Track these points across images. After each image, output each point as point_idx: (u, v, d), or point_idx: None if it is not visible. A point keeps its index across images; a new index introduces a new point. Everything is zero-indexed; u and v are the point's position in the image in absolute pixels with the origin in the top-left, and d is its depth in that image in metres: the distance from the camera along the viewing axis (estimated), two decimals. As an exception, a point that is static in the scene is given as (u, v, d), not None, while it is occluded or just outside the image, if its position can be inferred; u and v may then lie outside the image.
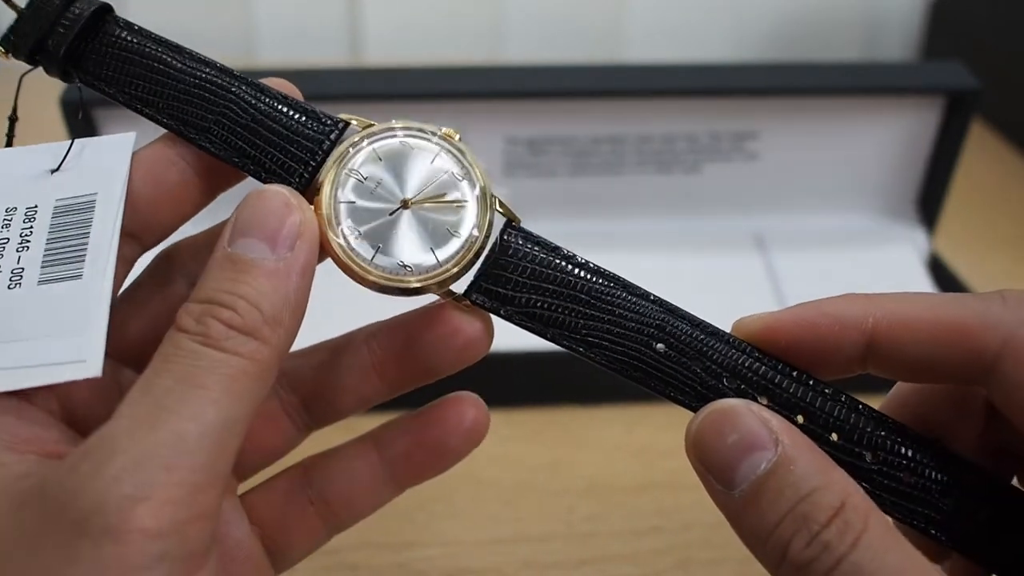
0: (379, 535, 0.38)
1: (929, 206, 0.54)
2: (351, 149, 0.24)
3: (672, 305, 0.24)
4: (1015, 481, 0.25)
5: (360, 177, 0.23)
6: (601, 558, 0.38)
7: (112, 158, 0.24)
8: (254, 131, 0.24)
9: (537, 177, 0.52)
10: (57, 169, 0.24)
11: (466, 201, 0.24)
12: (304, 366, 0.27)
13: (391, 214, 0.23)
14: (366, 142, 0.24)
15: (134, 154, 0.24)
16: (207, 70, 0.24)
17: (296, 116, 0.24)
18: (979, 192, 0.64)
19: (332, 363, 0.26)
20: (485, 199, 0.24)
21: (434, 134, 0.24)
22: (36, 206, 0.24)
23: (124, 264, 0.24)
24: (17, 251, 0.23)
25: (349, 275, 0.23)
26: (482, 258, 0.24)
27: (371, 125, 0.24)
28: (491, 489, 0.41)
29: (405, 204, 0.24)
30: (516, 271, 0.24)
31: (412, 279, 0.23)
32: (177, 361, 0.20)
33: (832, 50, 0.84)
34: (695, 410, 0.22)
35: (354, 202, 0.23)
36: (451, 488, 0.41)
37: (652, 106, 0.50)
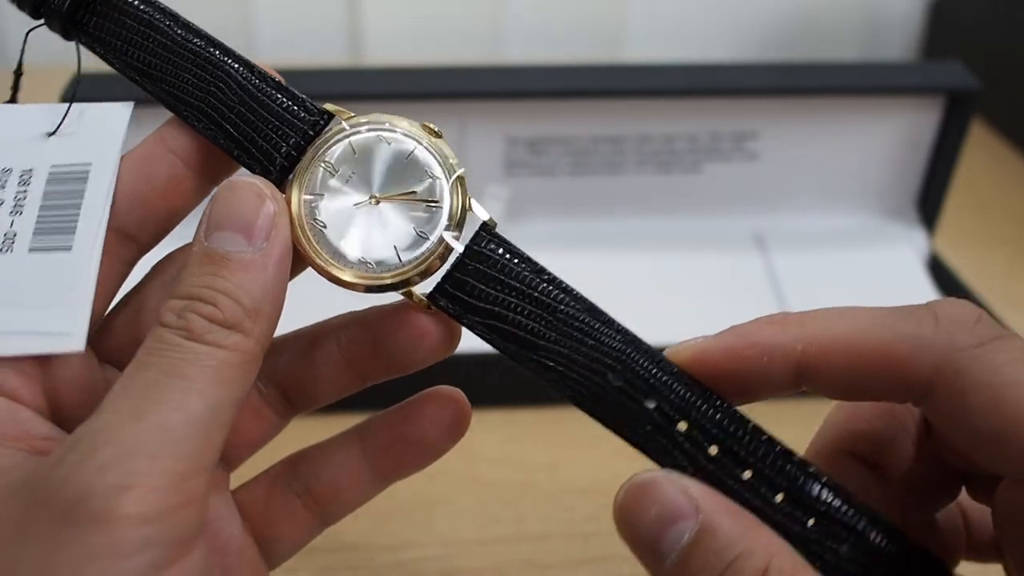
0: (379, 535, 0.38)
1: (929, 206, 0.54)
2: (329, 141, 0.24)
3: (633, 336, 0.23)
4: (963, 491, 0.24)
5: (332, 170, 0.23)
6: (601, 558, 0.38)
7: (108, 127, 0.24)
8: (241, 113, 0.24)
9: (537, 177, 0.52)
10: (54, 133, 0.24)
11: (438, 202, 0.23)
12: (278, 358, 0.26)
13: (357, 206, 0.23)
14: (343, 135, 0.24)
15: (124, 156, 0.24)
16: (200, 42, 0.24)
17: (283, 102, 0.24)
18: (979, 192, 0.64)
19: (305, 355, 0.26)
20: (459, 201, 0.23)
21: (413, 129, 0.24)
22: (31, 170, 0.24)
23: (121, 265, 0.24)
24: (10, 215, 0.23)
25: (312, 267, 0.23)
26: (449, 262, 0.23)
27: (351, 117, 0.24)
28: (491, 489, 0.41)
29: (375, 199, 0.23)
30: (483, 279, 0.23)
31: (372, 279, 0.23)
32: (161, 354, 0.20)
33: (832, 50, 0.84)
34: (642, 449, 0.22)
35: (322, 195, 0.23)
36: (451, 488, 0.41)
37: (652, 106, 0.50)
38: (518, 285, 0.23)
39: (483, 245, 0.23)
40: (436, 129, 0.24)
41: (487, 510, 0.40)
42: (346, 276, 0.23)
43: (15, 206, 0.23)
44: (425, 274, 0.23)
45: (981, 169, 0.66)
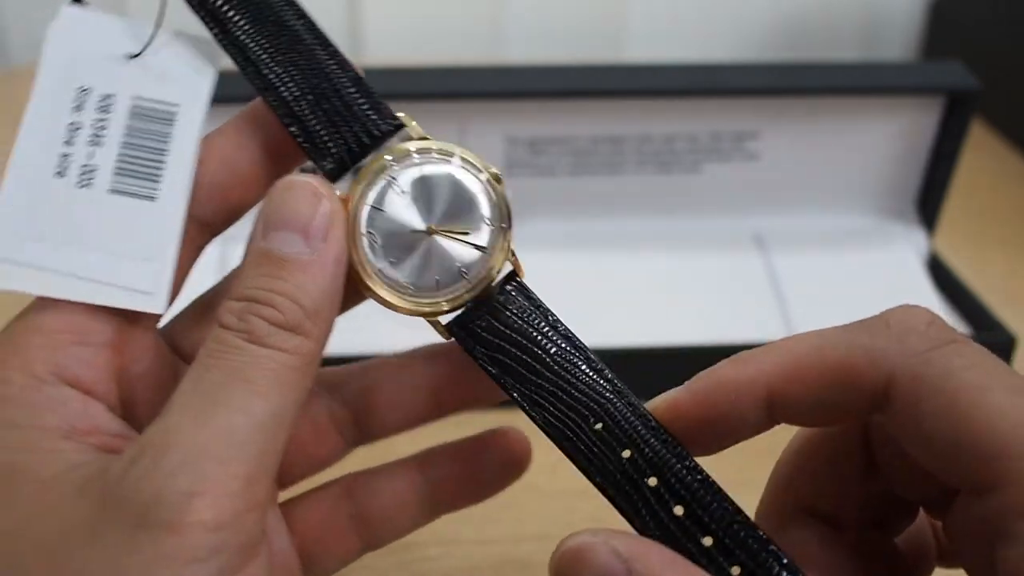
0: (379, 535, 0.38)
1: (929, 206, 0.54)
2: (399, 156, 0.24)
3: (622, 388, 0.23)
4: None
5: (399, 189, 0.23)
6: (601, 558, 0.38)
7: (196, 66, 0.23)
8: (317, 104, 0.24)
9: (537, 177, 0.52)
10: (137, 55, 0.22)
11: (486, 248, 0.24)
12: (357, 383, 0.27)
13: (414, 233, 0.24)
14: (416, 160, 0.24)
15: (204, 140, 0.24)
16: (299, 23, 0.24)
17: (361, 102, 0.24)
18: (979, 192, 0.64)
19: (388, 380, 0.26)
20: (505, 250, 0.24)
21: (482, 171, 0.24)
22: (113, 95, 0.22)
23: (193, 250, 0.24)
24: (89, 144, 0.21)
25: (355, 278, 0.23)
26: (476, 299, 0.24)
27: (422, 137, 0.24)
28: (491, 489, 0.41)
29: (430, 231, 0.24)
30: (501, 320, 0.24)
31: (406, 301, 0.24)
32: (223, 357, 0.20)
33: (832, 50, 0.84)
34: (610, 497, 0.23)
35: (382, 210, 0.23)
36: (451, 488, 0.41)
37: (652, 106, 0.50)
38: (530, 330, 0.24)
39: (511, 289, 0.24)
40: (499, 175, 0.25)
41: (487, 510, 0.40)
42: (384, 293, 0.23)
43: (94, 135, 0.21)
44: (452, 309, 0.24)
45: (981, 169, 0.66)
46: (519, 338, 0.24)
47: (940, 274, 0.53)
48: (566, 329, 0.24)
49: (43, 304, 0.22)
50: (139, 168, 0.22)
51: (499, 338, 0.24)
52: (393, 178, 0.24)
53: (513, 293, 0.24)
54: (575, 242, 0.52)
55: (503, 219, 0.24)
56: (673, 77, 0.50)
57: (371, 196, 0.23)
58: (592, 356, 0.24)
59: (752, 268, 0.53)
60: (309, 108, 0.24)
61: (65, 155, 0.21)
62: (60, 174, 0.21)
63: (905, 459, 0.22)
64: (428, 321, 0.24)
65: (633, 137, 0.51)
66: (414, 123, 0.24)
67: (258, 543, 0.20)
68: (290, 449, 0.24)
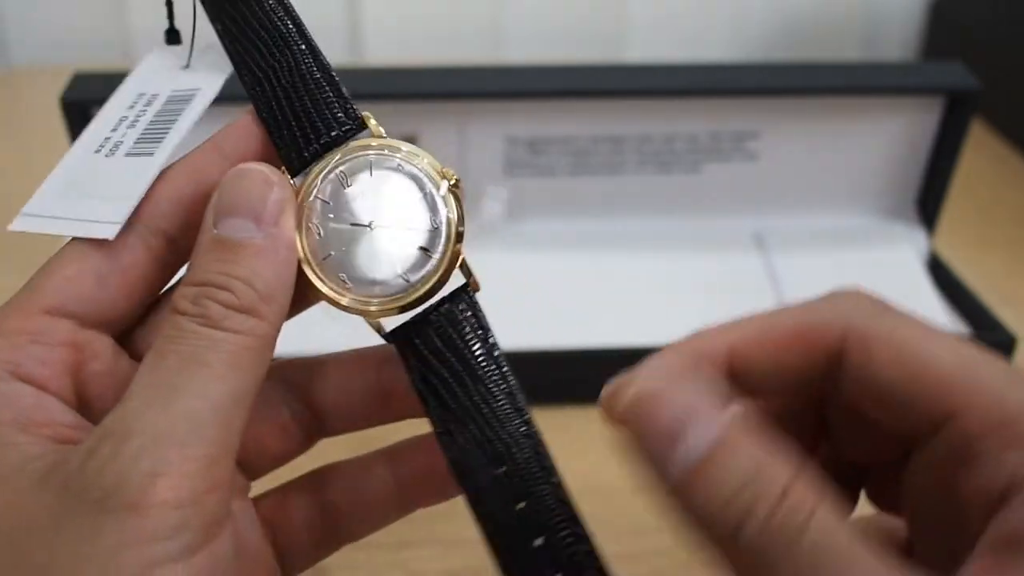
0: (378, 535, 0.38)
1: (929, 206, 0.54)
2: (352, 152, 0.24)
3: (535, 432, 0.23)
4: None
5: (348, 184, 0.23)
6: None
7: (218, 67, 0.27)
8: (288, 99, 0.24)
9: (537, 177, 0.52)
10: (186, 66, 0.27)
11: (429, 251, 0.23)
12: (318, 383, 0.27)
13: (354, 226, 0.23)
14: (372, 156, 0.24)
15: (178, 160, 0.24)
16: (283, 17, 0.25)
17: (329, 96, 0.24)
18: (979, 192, 0.64)
19: (345, 383, 0.26)
20: (451, 259, 0.23)
21: (439, 176, 0.24)
22: (157, 94, 0.27)
23: (159, 266, 0.24)
24: (127, 127, 0.26)
25: (299, 270, 0.23)
26: (419, 309, 0.23)
27: (380, 136, 0.24)
28: (491, 489, 0.41)
29: (371, 226, 0.23)
30: (441, 335, 0.23)
31: (344, 297, 0.23)
32: (180, 342, 0.21)
33: (832, 50, 0.84)
34: (489, 538, 0.23)
35: (328, 203, 0.23)
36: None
37: (652, 106, 0.50)
38: (464, 351, 0.23)
39: (457, 306, 0.24)
40: (458, 181, 0.24)
41: (487, 510, 0.40)
42: (321, 286, 0.23)
43: (133, 121, 0.26)
44: (387, 314, 0.24)
45: (981, 169, 0.66)
46: (452, 359, 0.23)
47: (940, 274, 0.53)
48: (502, 358, 0.24)
49: (3, 309, 0.23)
50: (153, 135, 0.25)
51: (434, 355, 0.23)
52: (344, 173, 0.24)
53: (459, 308, 0.24)
54: (575, 242, 0.52)
55: (452, 226, 0.23)
56: (673, 77, 0.50)
57: (320, 189, 0.23)
58: (517, 392, 0.23)
59: (752, 268, 0.53)
60: (280, 103, 0.24)
61: (107, 138, 0.26)
62: (98, 151, 0.25)
63: (860, 422, 0.22)
64: (368, 322, 0.24)
65: (633, 137, 0.51)
66: (373, 122, 0.24)
67: (221, 521, 0.21)
68: (250, 444, 0.24)
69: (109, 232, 0.23)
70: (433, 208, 0.24)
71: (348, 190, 0.23)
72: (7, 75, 0.75)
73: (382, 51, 0.81)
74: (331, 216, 0.23)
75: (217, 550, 0.20)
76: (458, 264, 0.24)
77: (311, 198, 0.23)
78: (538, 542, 0.23)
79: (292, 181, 0.24)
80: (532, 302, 0.47)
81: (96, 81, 0.45)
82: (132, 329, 0.25)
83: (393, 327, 0.24)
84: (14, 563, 0.19)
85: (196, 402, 0.20)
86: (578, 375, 0.46)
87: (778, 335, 0.22)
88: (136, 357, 0.25)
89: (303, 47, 0.25)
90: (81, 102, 0.44)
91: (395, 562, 0.37)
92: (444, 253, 0.23)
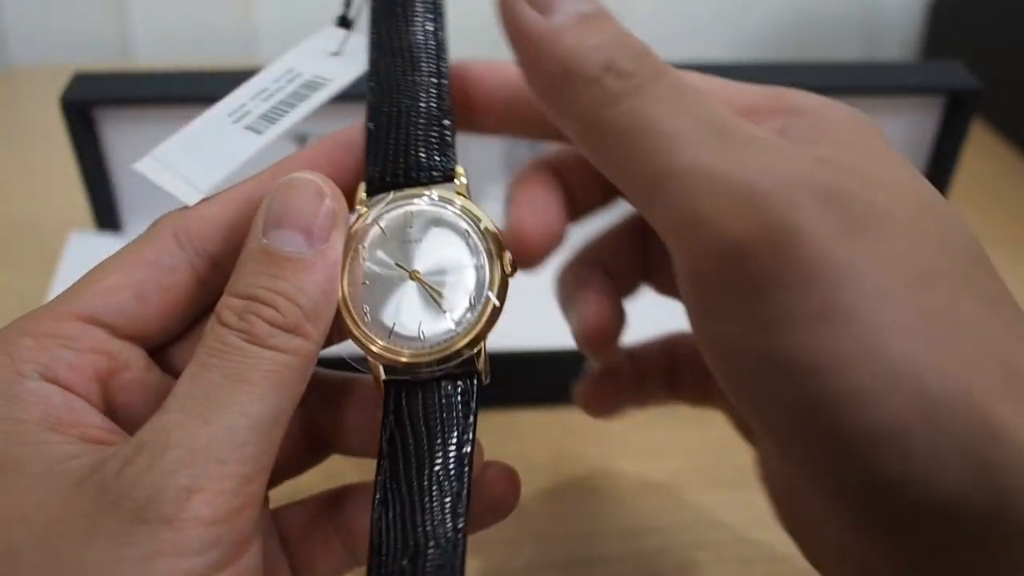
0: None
1: (929, 206, 0.54)
2: (425, 199, 0.24)
3: (458, 540, 0.22)
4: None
5: (412, 224, 0.23)
6: (601, 558, 0.38)
7: (358, 60, 0.27)
8: (402, 118, 0.24)
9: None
10: (336, 53, 0.29)
11: (453, 323, 0.23)
12: (324, 398, 0.27)
13: (397, 267, 0.23)
14: (443, 208, 0.24)
15: (241, 183, 0.25)
16: (432, 53, 0.25)
17: (434, 138, 0.24)
18: (979, 192, 0.64)
19: (355, 407, 0.26)
20: (473, 340, 0.23)
21: (496, 255, 0.24)
22: (300, 74, 0.28)
23: (201, 287, 0.24)
24: (262, 100, 0.27)
25: (414, 365, 0.23)
26: (416, 367, 0.23)
27: (466, 196, 0.24)
28: (491, 489, 0.41)
29: (412, 275, 0.23)
30: (426, 408, 0.23)
31: (357, 327, 0.23)
32: (223, 356, 0.20)
33: (832, 50, 0.84)
34: None
35: (386, 235, 0.23)
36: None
37: (652, 106, 0.50)
38: (437, 435, 0.23)
39: (454, 385, 0.23)
40: (514, 266, 0.24)
41: (487, 510, 0.40)
42: (343, 309, 0.23)
43: (269, 94, 0.27)
44: (385, 362, 0.23)
45: (981, 169, 0.66)
46: (423, 437, 0.23)
47: (940, 274, 0.53)
48: (468, 459, 0.23)
49: (40, 312, 0.23)
50: (274, 115, 0.26)
51: (411, 422, 0.23)
52: (412, 212, 0.23)
53: (456, 390, 0.23)
54: (574, 242, 0.52)
55: (488, 311, 0.23)
56: (673, 77, 0.50)
57: (387, 217, 0.23)
58: (464, 500, 0.22)
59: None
60: (391, 120, 0.24)
61: (243, 104, 0.27)
62: (230, 115, 0.26)
63: None
64: (368, 361, 0.23)
65: (633, 137, 0.51)
66: (463, 179, 0.24)
67: (251, 538, 0.21)
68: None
69: (191, 198, 0.24)
70: (478, 284, 0.23)
71: (409, 229, 0.23)
72: (7, 75, 0.75)
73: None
74: (381, 251, 0.23)
75: (245, 566, 0.20)
76: (483, 336, 0.23)
77: (376, 222, 0.23)
78: None
79: (363, 196, 0.24)
80: (532, 302, 0.47)
81: (96, 81, 0.45)
82: (168, 344, 0.25)
83: (387, 378, 0.23)
84: (43, 564, 0.19)
85: (237, 419, 0.20)
86: (578, 375, 0.46)
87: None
88: (169, 371, 0.25)
89: (435, 83, 0.25)
90: (81, 102, 0.44)
91: (395, 562, 0.37)
92: (468, 333, 0.23)
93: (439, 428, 0.23)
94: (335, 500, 0.27)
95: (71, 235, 0.48)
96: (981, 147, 0.70)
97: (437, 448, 0.23)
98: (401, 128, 0.24)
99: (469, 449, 0.23)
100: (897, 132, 0.52)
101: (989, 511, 0.18)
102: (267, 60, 0.28)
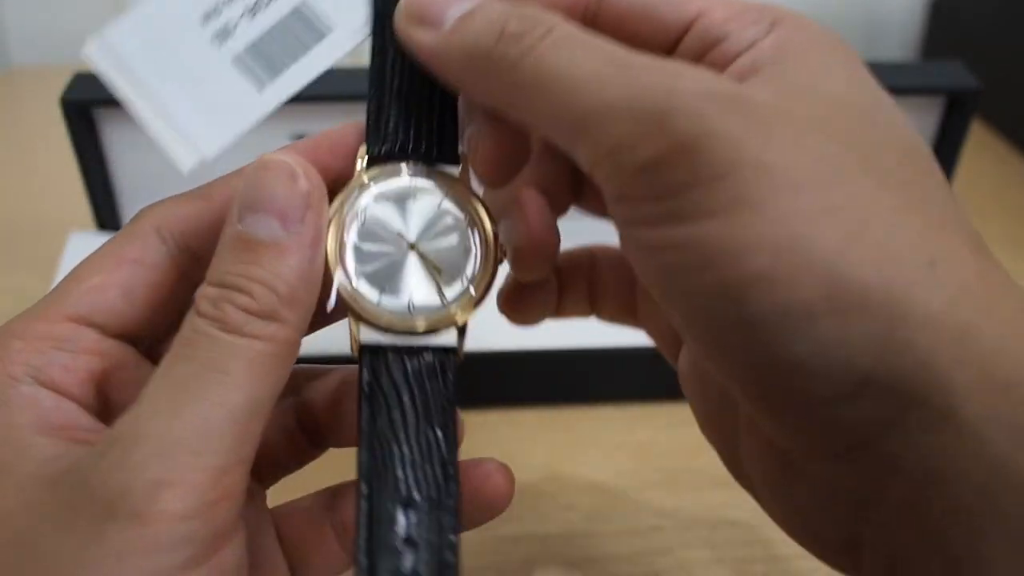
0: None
1: (929, 206, 0.54)
2: (435, 182, 0.24)
3: (451, 496, 0.22)
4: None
5: (417, 199, 0.24)
6: (601, 558, 0.38)
7: (360, 7, 0.25)
8: (408, 98, 0.25)
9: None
10: None
11: (445, 301, 0.23)
12: (318, 390, 0.27)
13: (398, 236, 0.23)
14: (447, 191, 0.24)
15: (222, 177, 0.24)
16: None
17: (443, 121, 0.25)
18: (979, 192, 0.64)
19: (339, 400, 0.26)
20: (458, 318, 0.23)
21: (494, 243, 0.24)
22: None
23: (182, 279, 0.24)
24: (242, 15, 0.24)
25: (353, 315, 0.23)
26: (396, 332, 0.23)
27: (466, 182, 0.25)
28: (491, 489, 0.41)
29: (411, 246, 0.23)
30: (409, 374, 0.23)
31: (345, 289, 0.23)
32: (198, 346, 0.20)
33: (832, 50, 0.84)
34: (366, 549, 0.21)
35: (389, 201, 0.23)
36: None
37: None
38: (420, 397, 0.23)
39: (434, 357, 0.23)
40: (503, 255, 0.25)
41: (487, 510, 0.40)
42: (335, 271, 0.23)
43: (251, 9, 0.24)
44: (370, 324, 0.23)
45: (981, 169, 0.66)
46: (406, 402, 0.23)
47: (940, 274, 0.52)
48: (452, 424, 0.23)
49: (29, 313, 0.23)
50: (267, 56, 0.24)
51: (393, 387, 0.23)
52: (417, 188, 0.24)
53: (436, 362, 0.23)
54: (575, 242, 0.52)
55: (480, 291, 0.24)
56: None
57: (389, 184, 0.23)
58: (453, 465, 0.22)
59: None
60: (400, 88, 0.24)
61: (217, 10, 0.24)
62: (205, 20, 0.24)
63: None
64: (350, 322, 0.23)
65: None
66: (470, 168, 0.25)
67: (230, 533, 0.20)
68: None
69: (186, 164, 0.23)
70: (475, 267, 0.24)
71: (412, 202, 0.23)
72: (7, 75, 0.75)
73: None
74: (383, 211, 0.23)
75: (224, 561, 0.20)
76: (462, 325, 0.23)
77: (376, 185, 0.23)
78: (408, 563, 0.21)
79: (363, 167, 0.24)
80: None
81: (96, 81, 0.45)
82: (159, 341, 0.25)
83: (368, 340, 0.23)
84: (19, 563, 0.19)
85: (211, 409, 0.19)
86: (578, 375, 0.46)
87: None
88: (131, 335, 0.24)
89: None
90: (81, 102, 0.44)
91: (395, 562, 0.37)
92: (456, 310, 0.23)
93: (420, 394, 0.23)
94: (332, 497, 0.27)
95: (71, 235, 0.48)
96: (981, 147, 0.70)
97: (420, 414, 0.23)
98: (410, 102, 0.24)
99: (452, 418, 0.23)
100: (897, 132, 0.52)
101: (902, 393, 0.18)
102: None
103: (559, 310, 0.31)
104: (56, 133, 0.47)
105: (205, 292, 0.21)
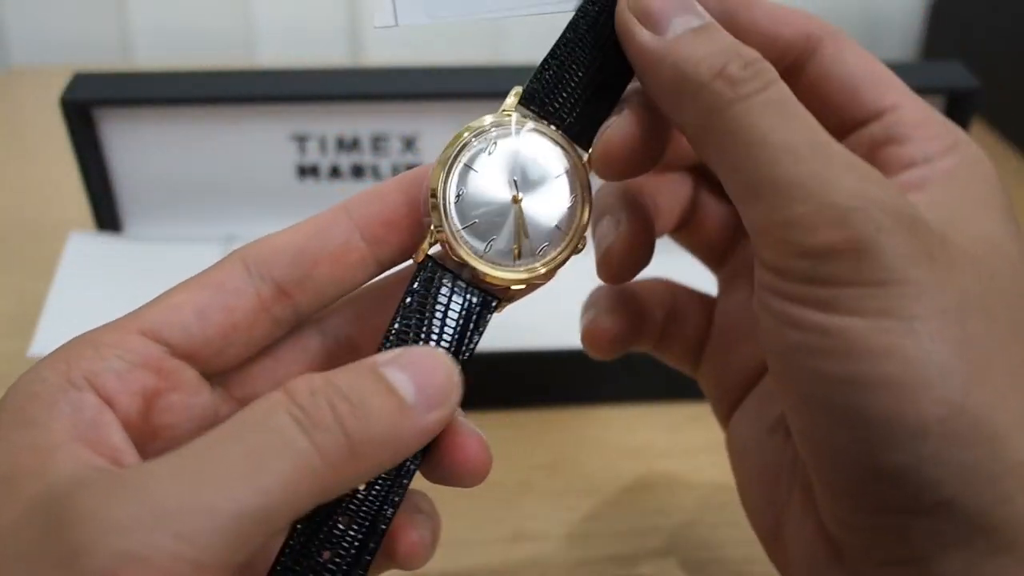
0: (379, 535, 0.38)
1: (929, 206, 0.54)
2: (564, 158, 0.25)
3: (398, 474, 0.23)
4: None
5: (543, 163, 0.25)
6: (601, 558, 0.38)
7: None
8: (590, 66, 0.25)
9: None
10: None
11: (560, 229, 0.25)
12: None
13: (502, 187, 0.24)
14: (567, 161, 0.25)
15: (308, 219, 0.24)
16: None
17: (600, 101, 0.25)
18: (979, 192, 0.64)
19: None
20: (532, 272, 0.24)
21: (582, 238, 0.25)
22: None
23: (270, 321, 0.24)
24: None
25: (460, 263, 0.24)
26: (473, 268, 0.24)
27: (587, 168, 0.25)
28: (491, 489, 0.41)
29: (515, 199, 0.24)
30: (454, 300, 0.24)
31: (444, 216, 0.24)
32: (259, 431, 0.19)
33: (832, 50, 0.84)
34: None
35: (502, 148, 0.25)
36: (451, 488, 0.41)
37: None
38: (454, 320, 0.24)
39: (484, 297, 0.24)
40: (584, 243, 0.26)
41: (487, 510, 0.40)
42: (440, 199, 0.24)
43: None
44: (469, 255, 0.24)
45: (981, 169, 0.66)
46: (441, 317, 0.24)
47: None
48: (469, 352, 0.24)
49: (111, 324, 0.23)
50: None
51: (433, 298, 0.24)
52: (548, 152, 0.25)
53: (480, 300, 0.24)
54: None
55: (546, 270, 0.25)
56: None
57: (527, 138, 0.25)
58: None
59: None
60: (577, 59, 0.25)
61: None
62: None
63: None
64: (425, 238, 0.24)
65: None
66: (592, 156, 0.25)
67: None
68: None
69: (378, 22, 0.25)
70: (553, 247, 0.25)
71: (537, 163, 0.25)
72: (7, 75, 0.75)
73: (382, 51, 0.81)
74: (503, 161, 0.25)
75: None
76: (518, 289, 0.25)
77: (513, 131, 0.25)
78: (326, 555, 0.22)
79: (515, 100, 0.25)
80: (532, 302, 0.47)
81: (96, 81, 0.45)
82: (231, 371, 0.24)
83: (436, 252, 0.24)
84: None
85: (222, 503, 0.18)
86: (578, 376, 0.46)
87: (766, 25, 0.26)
88: (227, 398, 0.25)
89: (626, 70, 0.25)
90: (81, 102, 0.44)
91: (395, 562, 0.37)
92: (527, 274, 0.25)
93: (456, 317, 0.24)
94: None
95: (71, 235, 0.48)
96: (981, 147, 0.70)
97: (447, 331, 0.24)
98: (587, 71, 0.25)
99: (472, 348, 0.24)
100: (897, 132, 0.52)
101: (979, 521, 0.20)
102: (267, 60, 0.28)
103: (629, 342, 0.32)
104: (56, 133, 0.47)
105: (311, 380, 0.20)
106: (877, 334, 0.20)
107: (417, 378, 0.21)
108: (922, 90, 0.51)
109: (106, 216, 0.48)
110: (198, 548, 0.18)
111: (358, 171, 0.48)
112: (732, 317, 0.31)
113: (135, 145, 0.47)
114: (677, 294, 0.33)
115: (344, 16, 0.80)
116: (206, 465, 0.19)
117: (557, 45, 0.26)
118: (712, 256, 0.33)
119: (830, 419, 0.21)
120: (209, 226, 0.50)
